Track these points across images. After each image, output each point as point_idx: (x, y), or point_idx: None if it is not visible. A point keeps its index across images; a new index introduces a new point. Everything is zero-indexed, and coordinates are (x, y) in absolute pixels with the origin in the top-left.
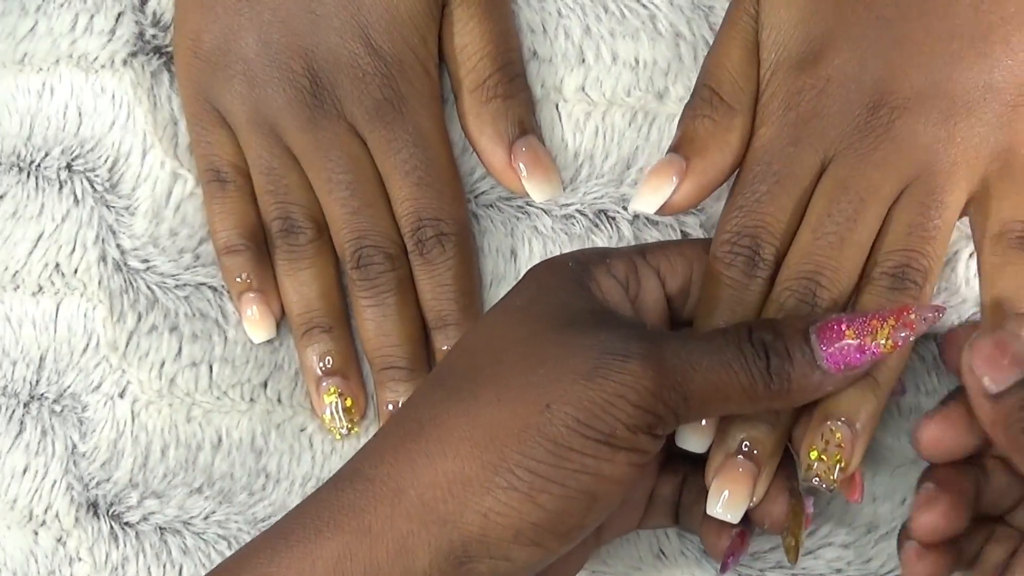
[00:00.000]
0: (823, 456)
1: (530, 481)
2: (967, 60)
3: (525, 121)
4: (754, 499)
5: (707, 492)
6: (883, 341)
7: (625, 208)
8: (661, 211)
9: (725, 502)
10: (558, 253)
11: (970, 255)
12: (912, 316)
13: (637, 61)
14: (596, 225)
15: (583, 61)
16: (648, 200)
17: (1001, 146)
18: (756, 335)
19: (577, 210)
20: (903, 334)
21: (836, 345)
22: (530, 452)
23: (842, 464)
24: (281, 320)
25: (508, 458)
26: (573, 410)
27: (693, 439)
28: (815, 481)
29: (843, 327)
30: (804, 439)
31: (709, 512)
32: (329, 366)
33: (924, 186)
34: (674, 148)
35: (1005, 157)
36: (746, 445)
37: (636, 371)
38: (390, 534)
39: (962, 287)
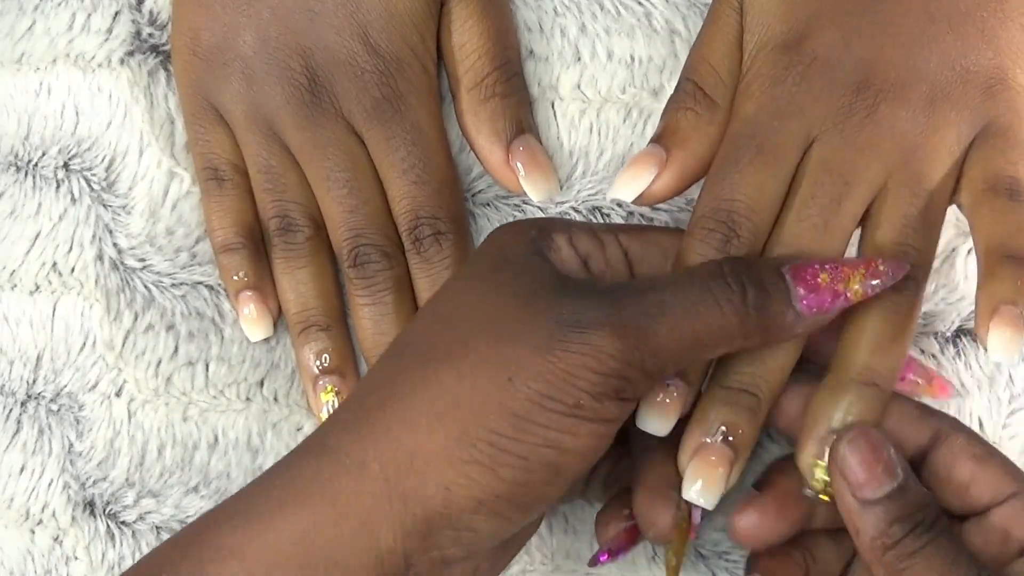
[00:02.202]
0: (827, 471)
1: (492, 454)
2: (945, 43)
3: (523, 120)
4: (729, 484)
5: (637, 475)
6: (856, 287)
7: (620, 205)
8: (639, 200)
9: (700, 487)
10: None
11: (968, 252)
12: (882, 267)
13: (632, 58)
14: (589, 222)
15: (579, 59)
16: (626, 189)
17: (979, 123)
18: (730, 268)
19: (572, 207)
20: (874, 283)
21: (810, 286)
22: (492, 425)
23: None
24: (278, 319)
25: (470, 431)
26: (535, 383)
27: (654, 421)
28: (814, 493)
29: (817, 271)
30: (804, 452)
31: (684, 496)
32: (326, 364)
33: (911, 172)
34: (656, 139)
35: (984, 129)
36: (723, 430)
37: (595, 341)
38: (354, 509)
39: (960, 284)
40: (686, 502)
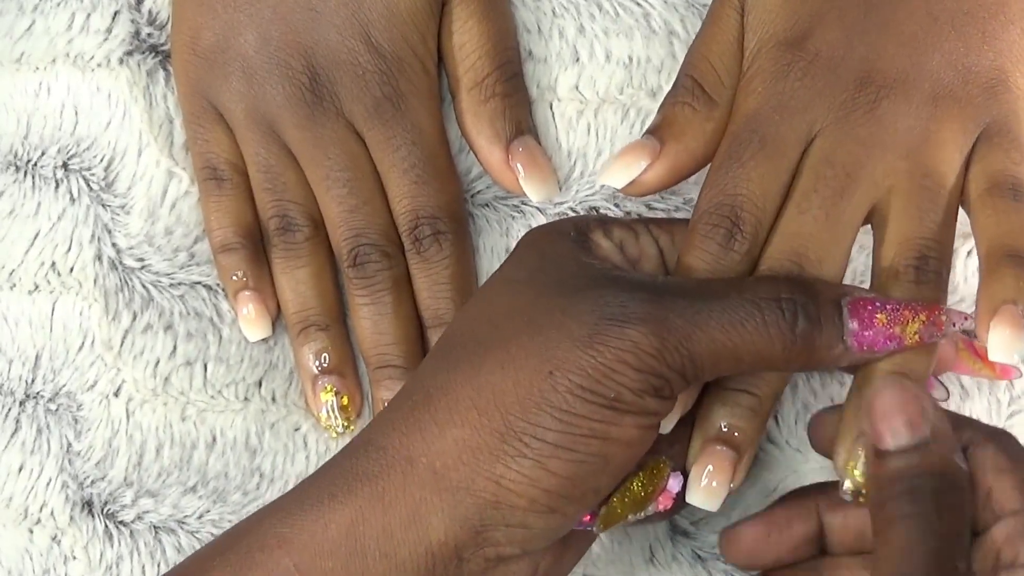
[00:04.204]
0: (864, 473)
1: (539, 448)
2: (948, 43)
3: (522, 121)
4: (733, 485)
5: None
6: (911, 333)
7: (617, 205)
8: (629, 188)
9: (703, 490)
10: None
11: (968, 253)
12: (943, 317)
13: (631, 59)
14: None
15: (577, 60)
16: (617, 175)
17: (982, 121)
18: (787, 295)
19: (570, 208)
20: (934, 331)
21: (865, 324)
22: (535, 419)
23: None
24: (277, 319)
25: (514, 426)
26: (575, 376)
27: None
28: (848, 496)
29: (876, 309)
30: (840, 454)
31: (688, 500)
32: (325, 364)
33: (919, 167)
34: (651, 131)
35: (987, 128)
36: (726, 428)
37: (635, 336)
38: (403, 501)
39: (960, 285)
40: (666, 462)
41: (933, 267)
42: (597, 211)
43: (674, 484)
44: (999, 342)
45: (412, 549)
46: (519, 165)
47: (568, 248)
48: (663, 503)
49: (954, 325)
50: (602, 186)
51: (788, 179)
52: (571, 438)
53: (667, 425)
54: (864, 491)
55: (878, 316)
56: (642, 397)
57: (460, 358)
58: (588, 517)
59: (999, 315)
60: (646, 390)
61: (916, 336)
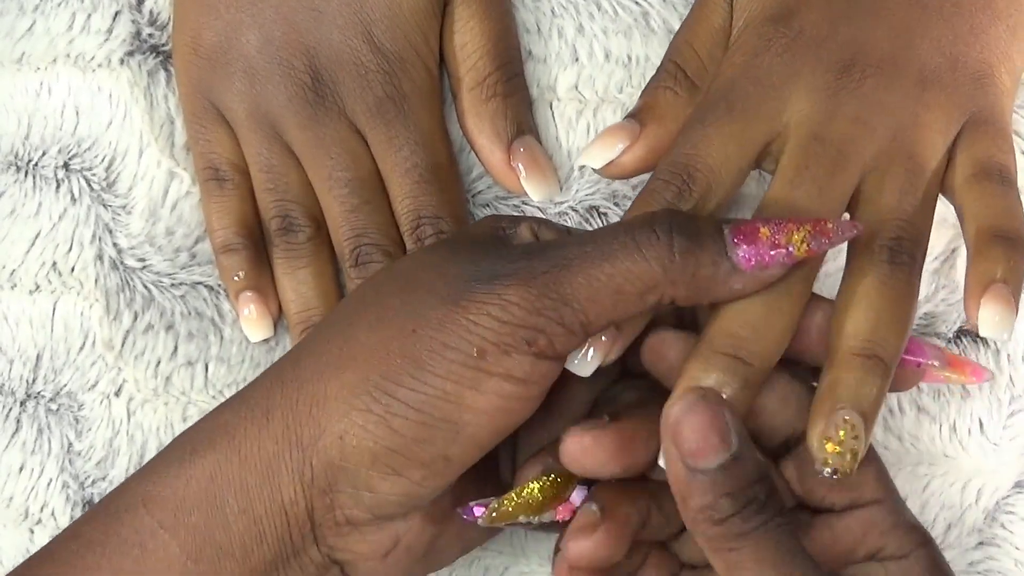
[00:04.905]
0: (839, 447)
1: (387, 404)
2: (936, 31)
3: (523, 121)
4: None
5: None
6: (798, 243)
7: (617, 204)
8: (608, 169)
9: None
10: None
11: None
12: (829, 226)
13: (630, 58)
14: (587, 221)
15: (576, 59)
16: (596, 156)
17: (968, 110)
18: (660, 217)
19: (570, 207)
20: (822, 240)
21: (748, 238)
22: (391, 375)
23: (855, 450)
24: (279, 319)
25: (368, 379)
26: (436, 332)
27: (578, 363)
28: (827, 472)
29: (758, 226)
30: (814, 430)
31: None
32: None
33: (903, 149)
34: (632, 114)
35: (973, 117)
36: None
37: (500, 289)
38: (258, 456)
39: (960, 284)
40: (558, 479)
41: (907, 249)
42: (597, 210)
43: (577, 498)
44: (990, 319)
45: (267, 506)
46: (520, 165)
47: (490, 232)
48: (562, 513)
49: (841, 233)
50: (602, 185)
51: (753, 151)
52: (421, 398)
53: (587, 368)
54: (847, 464)
55: (761, 230)
56: (510, 354)
57: (340, 319)
58: (478, 509)
59: (989, 293)
60: (514, 345)
61: (804, 246)
